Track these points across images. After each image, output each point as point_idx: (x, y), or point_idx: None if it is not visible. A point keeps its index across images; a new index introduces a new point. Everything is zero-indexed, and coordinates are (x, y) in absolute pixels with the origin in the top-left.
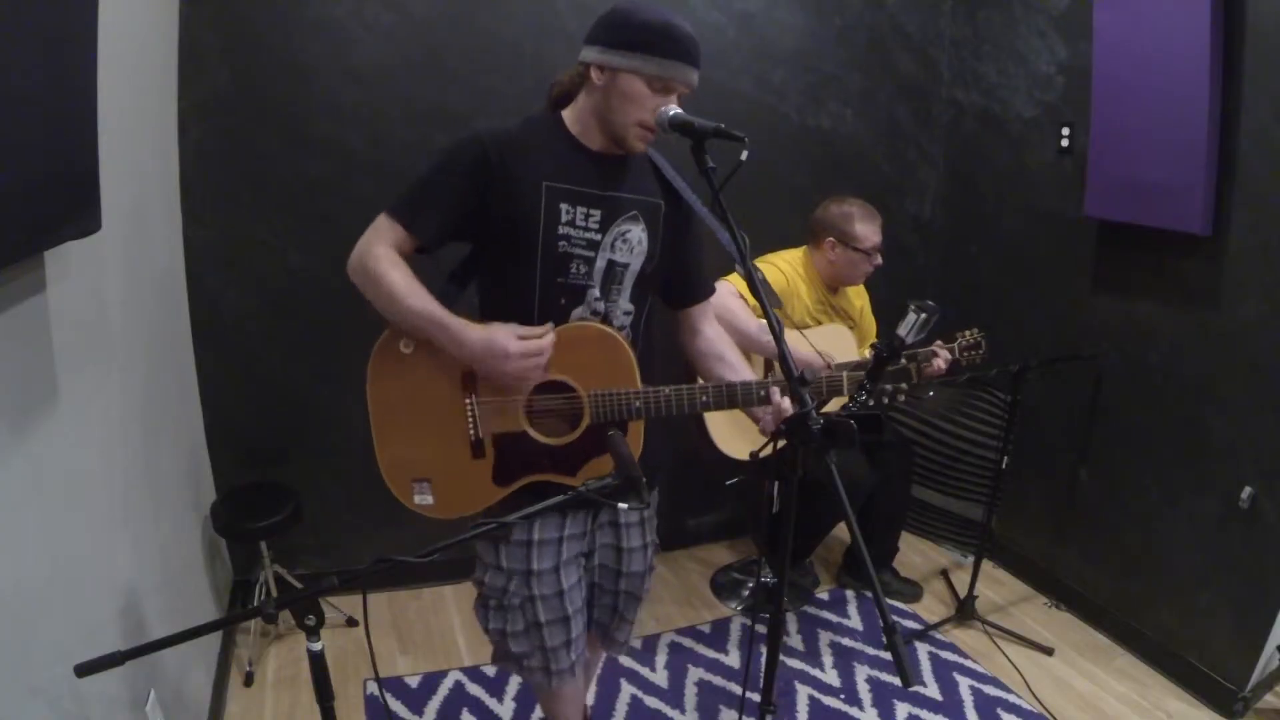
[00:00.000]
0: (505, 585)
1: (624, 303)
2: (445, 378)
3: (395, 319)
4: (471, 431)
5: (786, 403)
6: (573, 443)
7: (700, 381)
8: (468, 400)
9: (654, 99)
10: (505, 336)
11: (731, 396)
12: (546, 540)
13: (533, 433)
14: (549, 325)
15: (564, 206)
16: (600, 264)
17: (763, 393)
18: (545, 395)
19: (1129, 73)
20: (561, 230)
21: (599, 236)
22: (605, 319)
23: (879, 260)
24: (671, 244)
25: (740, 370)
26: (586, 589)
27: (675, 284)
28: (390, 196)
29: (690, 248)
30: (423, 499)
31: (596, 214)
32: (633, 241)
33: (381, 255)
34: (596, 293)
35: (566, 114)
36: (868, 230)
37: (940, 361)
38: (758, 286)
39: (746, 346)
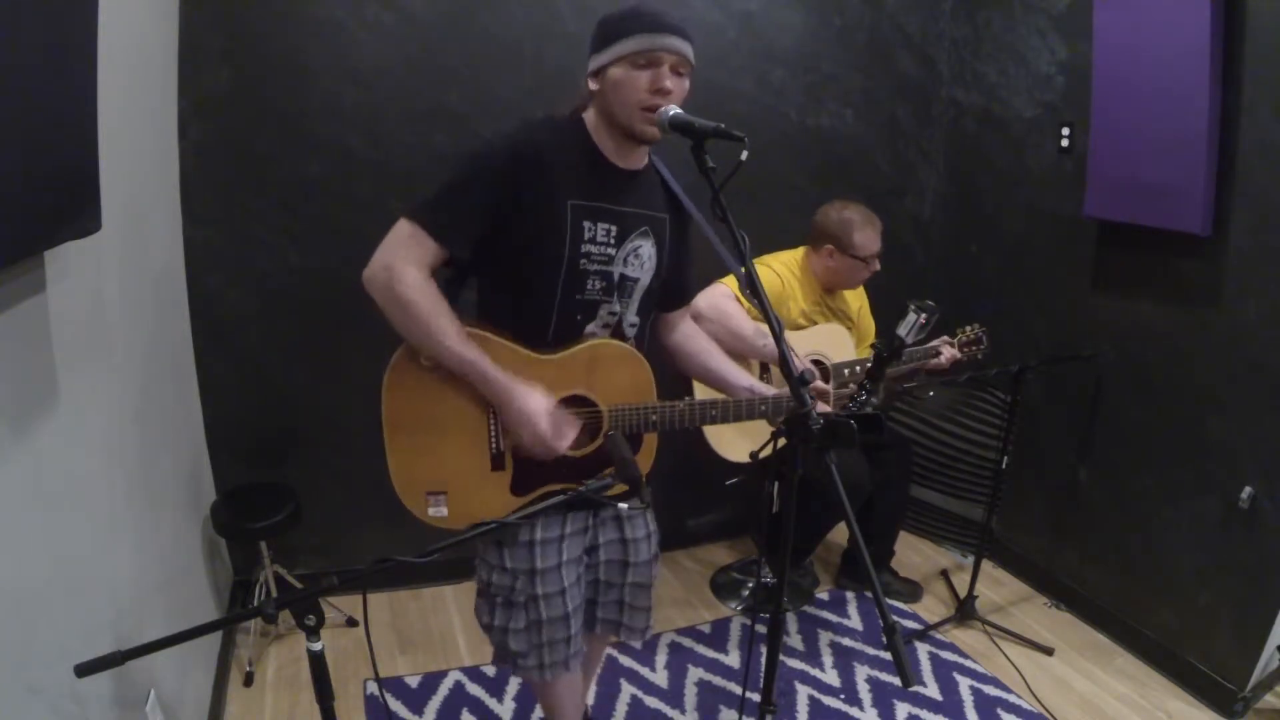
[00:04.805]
0: (511, 584)
1: (631, 316)
2: (467, 391)
3: (428, 352)
4: (493, 444)
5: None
6: (590, 454)
7: (688, 372)
8: (490, 414)
9: (644, 76)
10: (543, 415)
11: (738, 411)
12: (549, 539)
13: None
14: (580, 423)
15: (586, 224)
16: (615, 279)
17: (763, 408)
18: (567, 409)
19: (1129, 73)
20: (584, 248)
21: (614, 251)
22: (616, 331)
23: (877, 266)
24: (673, 255)
25: (727, 364)
26: (591, 587)
27: (668, 289)
28: (402, 197)
29: (685, 256)
30: (437, 511)
31: (614, 229)
32: (644, 257)
33: (412, 282)
34: (614, 307)
35: (586, 117)
36: (866, 239)
37: (944, 358)
38: (758, 287)
39: (741, 351)
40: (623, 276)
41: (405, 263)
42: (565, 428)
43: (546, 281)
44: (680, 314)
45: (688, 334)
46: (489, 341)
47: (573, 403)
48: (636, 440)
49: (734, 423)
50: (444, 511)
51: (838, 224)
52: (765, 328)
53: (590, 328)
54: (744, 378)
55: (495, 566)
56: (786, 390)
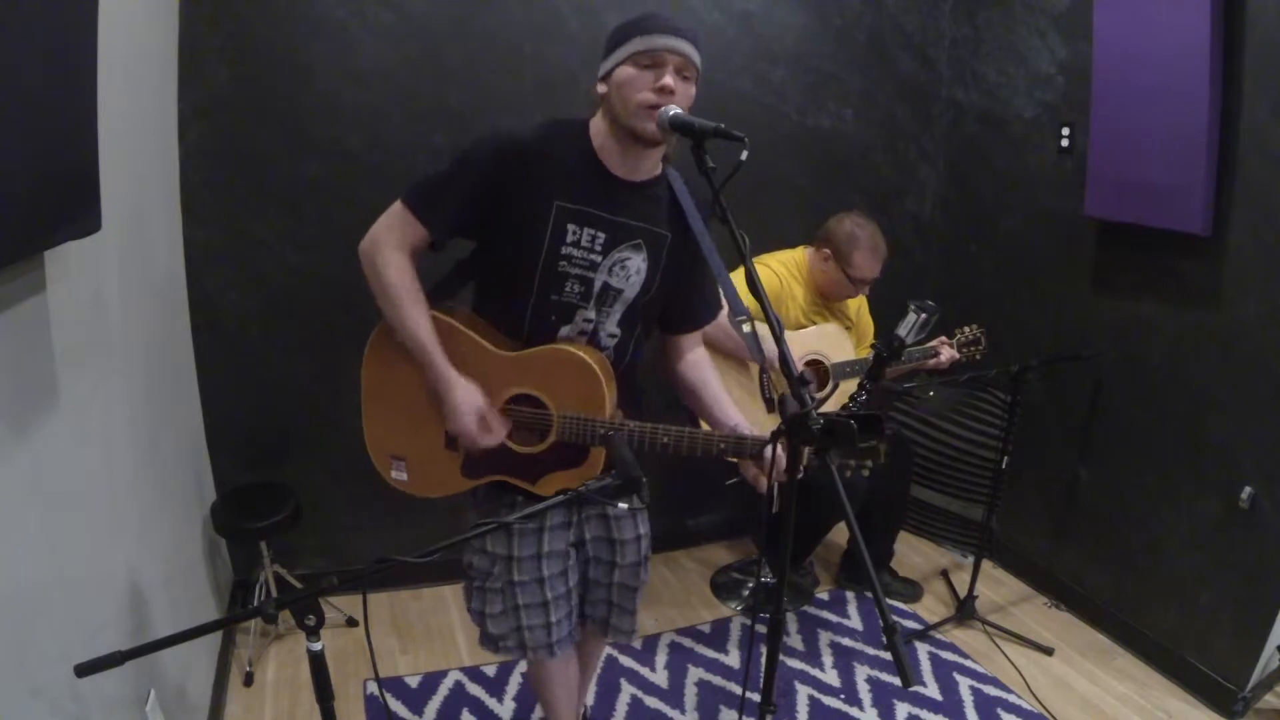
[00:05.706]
0: (489, 569)
1: (610, 326)
2: None
3: (391, 324)
4: None
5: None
6: (537, 454)
7: (686, 403)
8: None
9: (646, 76)
10: (470, 412)
11: (693, 445)
12: (527, 529)
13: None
14: (507, 429)
15: (571, 227)
16: (596, 286)
17: (722, 445)
18: (519, 407)
19: (1129, 73)
20: (564, 250)
21: (600, 259)
22: (593, 338)
23: (865, 291)
24: (674, 275)
25: (719, 402)
26: (581, 583)
27: (673, 311)
28: (401, 188)
29: (693, 279)
30: (398, 475)
31: (602, 237)
32: (630, 270)
33: (392, 261)
34: (589, 314)
35: (593, 123)
36: (865, 262)
37: (943, 357)
38: (760, 289)
39: (737, 352)
40: (605, 285)
41: (390, 241)
42: (496, 425)
43: (524, 278)
44: (690, 340)
45: (693, 363)
46: (455, 331)
47: (524, 401)
48: (584, 451)
49: (686, 454)
50: (404, 476)
51: (845, 236)
52: (763, 329)
53: (565, 331)
54: (731, 418)
55: (478, 550)
56: (752, 432)
